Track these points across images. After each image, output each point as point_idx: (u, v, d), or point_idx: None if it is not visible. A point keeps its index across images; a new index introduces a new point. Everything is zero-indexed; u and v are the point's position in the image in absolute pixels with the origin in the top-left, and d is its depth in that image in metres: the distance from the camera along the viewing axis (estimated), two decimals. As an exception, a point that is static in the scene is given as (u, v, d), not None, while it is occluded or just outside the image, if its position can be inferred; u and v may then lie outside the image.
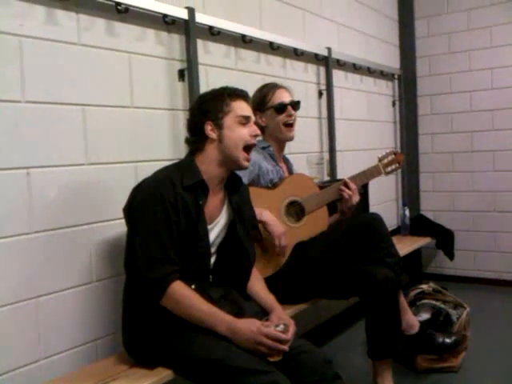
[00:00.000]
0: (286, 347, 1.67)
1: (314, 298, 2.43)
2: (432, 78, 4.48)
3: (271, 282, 2.25)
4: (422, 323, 2.58)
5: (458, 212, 4.42)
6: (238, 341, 1.64)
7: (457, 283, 4.24)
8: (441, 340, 2.53)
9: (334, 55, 3.39)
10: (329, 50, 3.33)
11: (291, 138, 2.49)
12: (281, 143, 2.52)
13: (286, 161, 2.63)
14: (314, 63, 3.30)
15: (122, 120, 2.09)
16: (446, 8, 4.38)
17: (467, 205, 4.39)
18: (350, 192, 2.48)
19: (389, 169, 2.66)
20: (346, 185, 2.49)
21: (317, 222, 2.44)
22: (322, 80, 3.37)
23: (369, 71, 3.91)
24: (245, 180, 2.25)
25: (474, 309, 2.89)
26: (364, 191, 3.48)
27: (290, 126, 2.45)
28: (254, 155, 2.35)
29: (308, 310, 2.44)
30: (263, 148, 2.46)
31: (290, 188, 2.40)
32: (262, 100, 2.45)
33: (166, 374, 1.72)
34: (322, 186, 2.65)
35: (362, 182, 2.58)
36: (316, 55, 3.26)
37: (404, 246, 3.68)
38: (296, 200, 2.40)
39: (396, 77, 4.39)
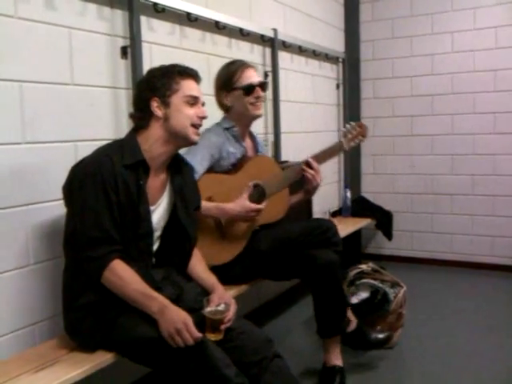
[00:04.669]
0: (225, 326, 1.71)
1: (257, 278, 2.46)
2: (375, 63, 4.56)
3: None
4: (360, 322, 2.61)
5: (397, 194, 4.57)
6: (162, 323, 1.61)
7: (395, 263, 4.40)
8: (373, 336, 2.60)
9: (280, 37, 3.38)
10: (275, 31, 3.32)
11: (260, 115, 2.42)
12: (248, 121, 2.45)
13: (253, 138, 2.57)
14: (259, 44, 3.29)
15: (62, 97, 2.02)
16: (390, -7, 4.46)
17: (406, 187, 4.54)
18: (312, 172, 2.40)
19: (352, 143, 2.55)
20: (308, 164, 2.42)
21: (276, 206, 2.39)
22: (268, 61, 3.36)
23: (314, 54, 3.94)
24: (205, 164, 2.23)
25: (410, 287, 3.01)
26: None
27: (258, 105, 2.38)
28: (216, 139, 2.32)
29: (250, 291, 2.47)
30: (226, 129, 2.39)
31: (251, 171, 2.34)
32: (229, 79, 2.36)
33: (106, 357, 1.71)
34: (284, 167, 2.58)
35: (325, 161, 2.49)
36: (262, 36, 3.25)
37: (345, 227, 3.77)
38: (258, 183, 2.34)
39: (340, 60, 4.44)
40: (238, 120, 2.42)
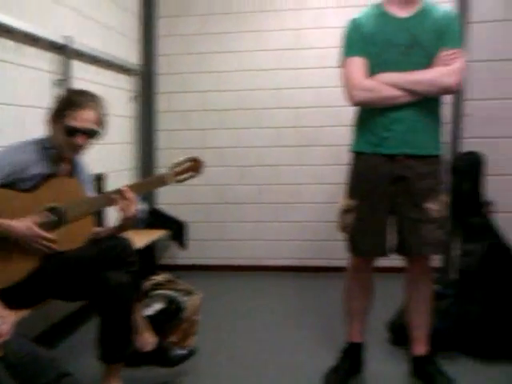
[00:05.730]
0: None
1: (47, 299, 2.33)
2: (170, 77, 4.68)
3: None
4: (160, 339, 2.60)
5: (191, 204, 4.74)
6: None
7: (190, 271, 4.57)
8: (176, 353, 2.61)
9: (73, 45, 3.27)
10: (67, 38, 3.21)
11: (74, 157, 2.30)
12: (64, 155, 2.30)
13: (75, 164, 2.37)
14: (50, 51, 3.14)
15: None
16: (185, 10, 4.62)
17: (200, 197, 4.73)
18: (125, 202, 2.20)
19: (179, 177, 2.42)
20: (121, 193, 2.21)
21: (74, 233, 2.19)
22: (59, 70, 3.23)
23: (109, 65, 3.90)
24: None
25: (204, 294, 3.14)
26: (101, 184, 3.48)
27: (76, 150, 2.26)
28: (29, 155, 2.15)
29: (38, 313, 2.34)
30: (46, 148, 2.22)
31: (52, 192, 2.16)
32: (63, 108, 2.20)
33: None
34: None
35: (142, 192, 2.34)
36: (52, 43, 3.11)
37: (140, 239, 3.78)
38: (55, 206, 2.16)
39: (136, 73, 4.46)
40: (56, 147, 2.26)
